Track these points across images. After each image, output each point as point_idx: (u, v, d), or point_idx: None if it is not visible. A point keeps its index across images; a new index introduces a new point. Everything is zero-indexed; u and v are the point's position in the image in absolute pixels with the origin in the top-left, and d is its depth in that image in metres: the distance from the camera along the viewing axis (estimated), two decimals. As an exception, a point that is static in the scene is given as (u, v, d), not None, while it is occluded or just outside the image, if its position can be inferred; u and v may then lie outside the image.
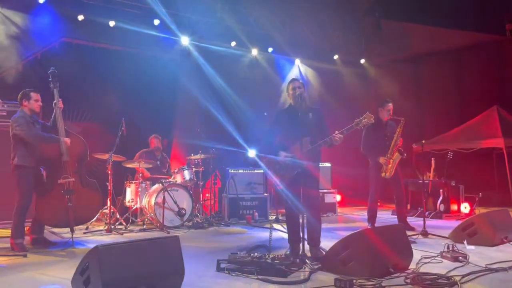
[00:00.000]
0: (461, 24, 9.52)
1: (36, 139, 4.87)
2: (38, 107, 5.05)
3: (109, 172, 6.25)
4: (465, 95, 10.51)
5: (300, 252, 4.11)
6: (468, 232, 5.03)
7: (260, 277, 3.57)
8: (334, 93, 10.38)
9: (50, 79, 5.15)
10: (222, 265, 3.85)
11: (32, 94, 5.00)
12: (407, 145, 6.43)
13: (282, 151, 4.41)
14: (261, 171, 7.59)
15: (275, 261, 3.71)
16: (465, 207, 7.84)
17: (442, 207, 7.70)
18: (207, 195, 7.87)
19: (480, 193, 7.68)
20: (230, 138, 8.66)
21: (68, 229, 5.08)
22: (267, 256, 3.80)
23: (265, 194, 7.57)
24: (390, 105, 6.17)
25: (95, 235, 5.88)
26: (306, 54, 10.48)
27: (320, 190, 7.95)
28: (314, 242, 4.35)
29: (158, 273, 3.15)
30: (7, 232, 5.11)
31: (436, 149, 9.09)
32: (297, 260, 3.95)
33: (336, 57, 10.80)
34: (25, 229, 5.04)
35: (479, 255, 4.40)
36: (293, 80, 4.68)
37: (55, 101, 5.10)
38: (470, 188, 8.09)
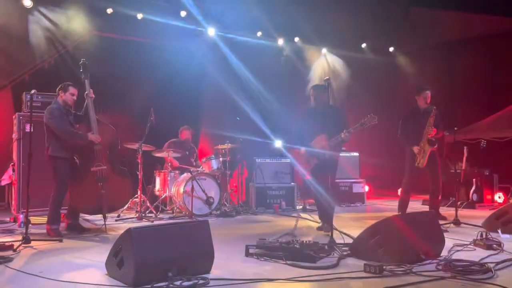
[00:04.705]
0: (495, 9, 9.16)
1: (65, 135, 5.02)
2: (72, 101, 5.21)
3: (139, 161, 6.38)
4: (499, 83, 10.13)
5: (329, 239, 4.11)
6: (502, 220, 4.88)
7: (288, 262, 3.58)
8: (362, 82, 10.21)
9: (81, 70, 5.30)
10: (251, 250, 3.88)
11: (70, 88, 5.16)
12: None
13: (305, 144, 5.21)
14: (288, 160, 7.59)
15: (304, 247, 3.72)
16: (499, 197, 7.62)
17: (475, 197, 7.51)
18: (234, 184, 7.93)
19: (516, 183, 7.44)
20: (257, 128, 8.68)
21: (100, 216, 5.24)
22: (295, 242, 3.81)
23: (292, 183, 7.56)
24: (427, 93, 6.01)
25: (126, 223, 6.02)
26: (333, 43, 10.35)
27: (348, 180, 7.97)
28: (327, 218, 4.95)
29: (189, 256, 3.21)
30: (44, 219, 5.30)
31: (468, 139, 8.83)
32: (326, 246, 3.95)
33: (364, 45, 10.62)
34: (61, 216, 5.23)
35: (514, 243, 4.27)
36: (314, 86, 5.46)
37: (86, 92, 5.25)
38: (505, 178, 7.84)
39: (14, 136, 6.10)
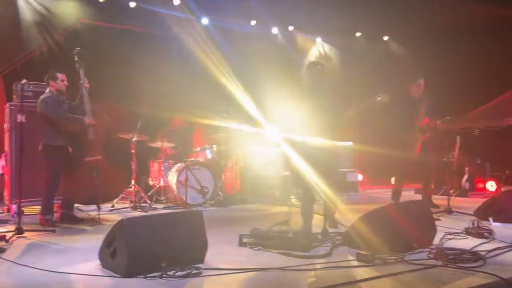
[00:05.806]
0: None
1: (62, 119, 4.98)
2: (64, 87, 5.17)
3: (133, 151, 6.36)
4: (493, 72, 10.14)
5: (322, 228, 4.13)
6: (494, 209, 4.94)
7: (281, 251, 3.60)
8: (356, 71, 10.19)
9: (75, 59, 5.23)
10: (244, 240, 3.90)
11: (58, 75, 5.12)
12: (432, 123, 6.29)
13: (300, 130, 4.61)
14: (282, 150, 7.56)
15: (297, 236, 3.74)
16: (491, 185, 7.69)
17: (467, 185, 7.57)
18: (228, 174, 7.92)
19: (507, 171, 7.50)
20: (250, 117, 8.65)
21: (94, 206, 5.23)
22: (288, 231, 3.83)
23: (286, 173, 7.56)
24: (421, 81, 6.01)
25: (120, 213, 6.02)
26: (327, 32, 10.30)
27: (342, 169, 7.96)
28: (330, 213, 4.65)
29: (182, 246, 3.22)
30: (37, 209, 5.29)
31: (461, 127, 8.86)
32: (319, 235, 3.97)
33: (358, 34, 10.58)
34: (54, 206, 5.22)
35: (505, 231, 4.31)
36: (312, 63, 4.94)
37: (81, 81, 5.19)
38: (497, 166, 7.91)
39: (6, 126, 6.05)
